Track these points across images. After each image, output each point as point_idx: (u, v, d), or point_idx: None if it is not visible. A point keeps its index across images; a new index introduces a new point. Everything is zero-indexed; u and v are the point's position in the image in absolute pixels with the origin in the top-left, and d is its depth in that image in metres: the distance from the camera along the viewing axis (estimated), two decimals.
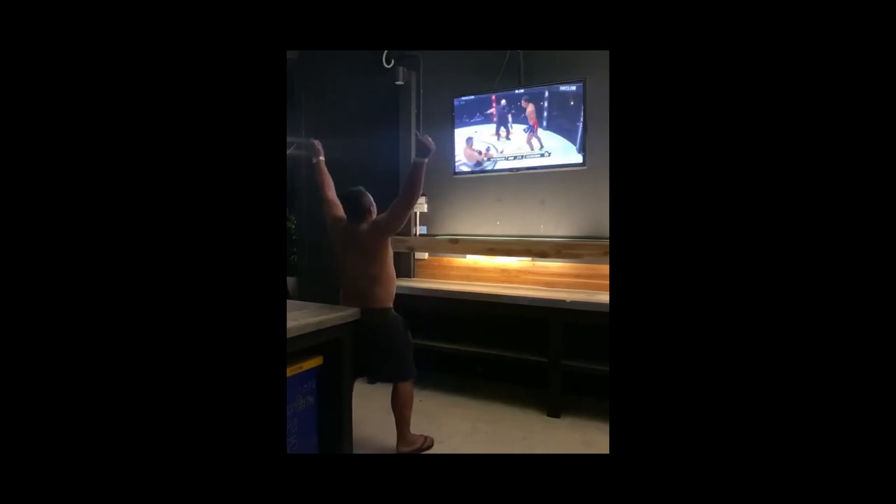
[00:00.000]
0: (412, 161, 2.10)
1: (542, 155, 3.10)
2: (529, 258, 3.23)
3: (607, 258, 2.97)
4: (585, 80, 2.96)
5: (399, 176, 3.66)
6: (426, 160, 2.07)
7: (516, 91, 3.15)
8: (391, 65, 3.43)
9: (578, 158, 2.98)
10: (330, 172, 2.53)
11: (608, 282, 2.98)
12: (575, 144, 2.99)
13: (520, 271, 3.27)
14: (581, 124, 2.96)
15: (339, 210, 2.33)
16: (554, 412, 2.76)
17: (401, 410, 2.28)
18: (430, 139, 2.08)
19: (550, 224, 3.19)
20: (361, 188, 2.30)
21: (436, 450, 2.36)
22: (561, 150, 3.04)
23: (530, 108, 3.12)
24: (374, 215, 2.25)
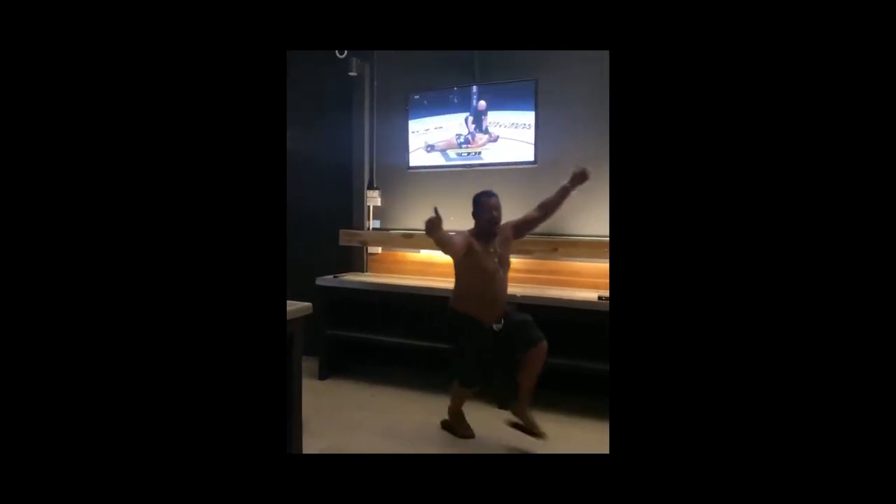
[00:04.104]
0: (564, 186, 2.27)
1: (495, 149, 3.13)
2: None
3: (557, 254, 3.05)
4: (538, 80, 3.01)
5: (353, 168, 3.61)
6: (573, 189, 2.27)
7: (473, 87, 3.17)
8: (344, 55, 3.36)
9: (530, 156, 3.04)
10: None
11: (559, 277, 3.07)
12: (527, 142, 3.04)
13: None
14: (533, 123, 3.02)
15: (460, 236, 2.24)
16: (503, 403, 2.81)
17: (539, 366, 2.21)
18: (587, 171, 2.24)
19: (503, 220, 3.23)
20: (494, 192, 2.32)
21: (387, 444, 2.36)
22: (513, 148, 3.08)
23: (482, 104, 3.15)
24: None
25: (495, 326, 2.20)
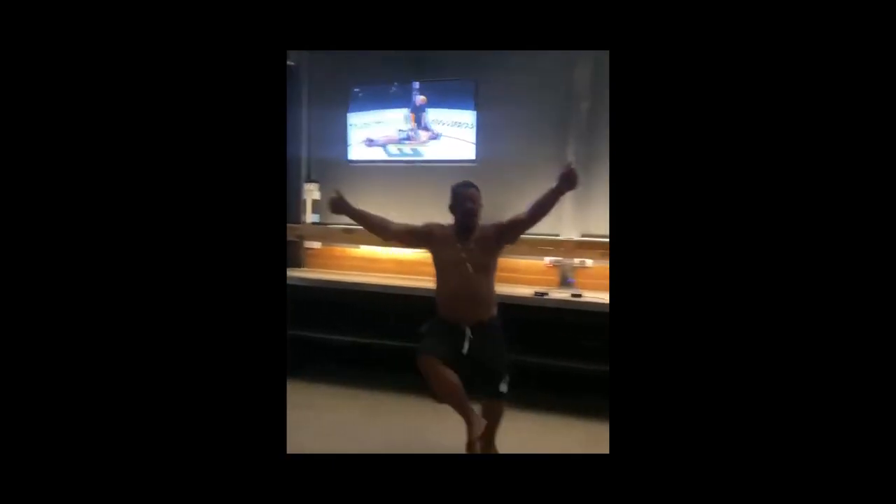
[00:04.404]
0: (556, 189, 1.94)
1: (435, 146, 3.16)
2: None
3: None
4: (478, 81, 3.06)
5: (289, 160, 3.49)
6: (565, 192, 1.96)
7: (413, 84, 3.17)
8: None
9: (470, 154, 3.09)
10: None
11: (498, 273, 3.15)
12: (467, 141, 3.10)
13: (415, 262, 3.33)
14: (473, 122, 3.07)
15: (421, 224, 2.10)
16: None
17: (495, 423, 2.01)
18: (575, 172, 1.91)
19: (446, 216, 3.27)
20: (472, 184, 2.07)
21: (325, 444, 2.34)
22: (455, 146, 3.13)
23: (422, 98, 3.16)
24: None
25: (466, 329, 1.99)
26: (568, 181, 1.90)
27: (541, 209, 2.00)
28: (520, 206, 3.09)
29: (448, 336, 2.00)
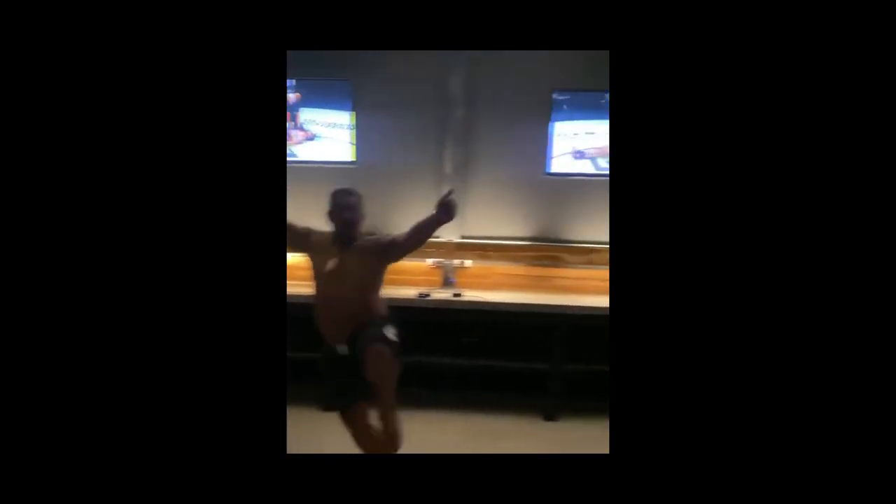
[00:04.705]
0: (434, 217, 1.81)
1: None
2: None
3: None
4: (352, 80, 3.01)
5: None
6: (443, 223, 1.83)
7: (287, 81, 3.02)
8: None
9: (349, 156, 3.03)
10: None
11: (387, 276, 3.14)
12: (347, 142, 3.03)
13: (295, 268, 3.17)
14: (350, 123, 3.01)
15: (297, 225, 1.98)
16: (331, 406, 2.77)
17: (385, 379, 1.85)
18: (453, 202, 1.78)
19: (324, 221, 3.17)
20: (353, 191, 1.97)
21: None
22: (332, 147, 3.04)
23: (296, 96, 3.04)
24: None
25: (339, 348, 1.90)
26: (446, 211, 1.80)
27: (419, 234, 1.90)
28: (401, 211, 3.11)
29: (329, 359, 1.97)
